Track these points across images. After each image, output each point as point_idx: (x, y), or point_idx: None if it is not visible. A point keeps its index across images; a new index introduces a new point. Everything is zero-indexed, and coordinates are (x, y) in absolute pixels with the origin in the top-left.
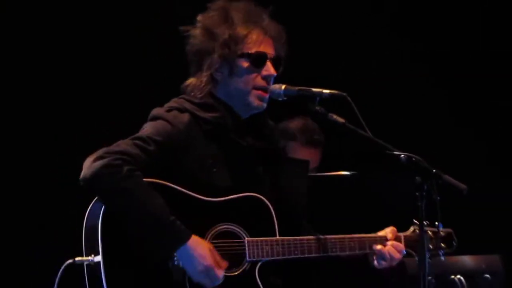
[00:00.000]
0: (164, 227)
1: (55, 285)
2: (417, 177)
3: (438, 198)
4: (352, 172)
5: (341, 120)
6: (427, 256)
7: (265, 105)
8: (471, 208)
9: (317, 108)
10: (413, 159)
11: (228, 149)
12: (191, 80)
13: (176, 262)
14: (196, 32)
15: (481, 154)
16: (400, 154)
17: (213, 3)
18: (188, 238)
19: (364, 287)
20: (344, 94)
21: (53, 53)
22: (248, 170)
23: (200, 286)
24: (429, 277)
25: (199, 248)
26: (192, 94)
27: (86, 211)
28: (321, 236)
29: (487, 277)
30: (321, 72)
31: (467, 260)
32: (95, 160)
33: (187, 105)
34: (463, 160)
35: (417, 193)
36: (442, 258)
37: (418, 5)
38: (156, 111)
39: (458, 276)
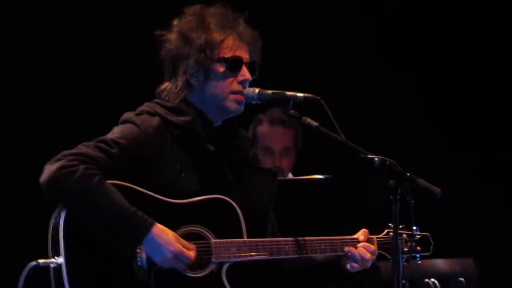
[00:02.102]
0: (126, 219)
1: (21, 287)
2: (391, 181)
3: (412, 201)
4: (326, 176)
5: (314, 123)
6: (403, 259)
7: (242, 108)
8: (445, 211)
9: (291, 111)
10: (387, 162)
11: (197, 154)
12: (166, 85)
13: (140, 263)
14: (172, 36)
15: (455, 158)
16: (374, 158)
17: (189, 8)
18: (152, 225)
19: None
20: (318, 97)
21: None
22: (216, 176)
23: (165, 285)
24: (403, 281)
25: (164, 235)
26: (166, 98)
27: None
28: (291, 238)
29: (461, 281)
30: (295, 75)
31: (441, 263)
32: (51, 164)
33: (158, 109)
34: (436, 164)
35: (391, 197)
36: (419, 261)
37: (393, 11)
38: (127, 115)
39: (432, 280)
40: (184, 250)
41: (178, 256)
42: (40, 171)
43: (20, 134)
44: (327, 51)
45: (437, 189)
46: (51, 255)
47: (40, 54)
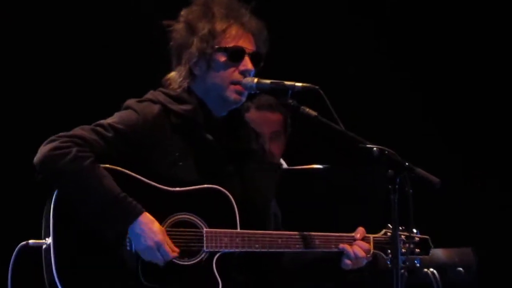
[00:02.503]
0: (115, 202)
1: (10, 267)
2: (389, 170)
3: (411, 191)
4: (324, 165)
5: (313, 113)
6: (401, 260)
7: (243, 99)
8: (444, 201)
9: (290, 101)
10: (386, 152)
11: (196, 143)
12: (171, 74)
13: (128, 247)
14: (179, 26)
15: (455, 148)
16: (373, 147)
17: None
18: (141, 213)
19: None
20: (317, 87)
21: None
22: (214, 166)
23: (152, 271)
24: (402, 270)
25: (151, 224)
26: (170, 87)
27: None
28: (285, 232)
29: (460, 270)
30: (295, 65)
31: (439, 253)
32: (45, 144)
33: (161, 97)
34: (435, 153)
35: (389, 186)
36: (417, 264)
37: (395, 7)
38: (129, 101)
39: (431, 269)
40: (166, 245)
41: (158, 247)
42: (34, 153)
43: (15, 127)
44: (329, 46)
45: (436, 179)
46: (43, 236)
47: (38, 47)
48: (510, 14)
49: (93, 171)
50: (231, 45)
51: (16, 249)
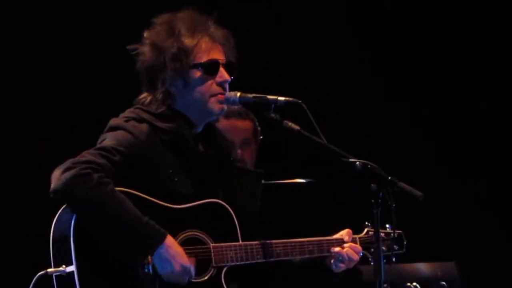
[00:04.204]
0: (140, 228)
1: None
2: (372, 184)
3: (394, 205)
4: (307, 179)
5: (296, 127)
6: (383, 260)
7: (226, 107)
8: (427, 215)
9: (272, 115)
10: (368, 166)
11: (186, 158)
12: (145, 95)
13: (146, 270)
14: (145, 49)
15: (439, 162)
16: (356, 161)
17: (157, 17)
18: (165, 237)
19: None
20: (299, 101)
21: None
22: (206, 178)
23: None
24: (385, 285)
25: (175, 247)
26: (150, 106)
27: (50, 222)
28: (280, 240)
29: (443, 284)
30: (277, 78)
31: (423, 267)
32: (63, 172)
33: (145, 116)
34: (418, 167)
35: (372, 200)
36: (393, 259)
37: (375, 13)
38: (115, 121)
39: (414, 284)
40: (191, 267)
41: (185, 270)
42: (36, 182)
43: (24, 142)
44: (307, 53)
45: (418, 193)
46: (55, 264)
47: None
48: (491, 23)
49: (115, 196)
50: (204, 59)
51: (35, 278)
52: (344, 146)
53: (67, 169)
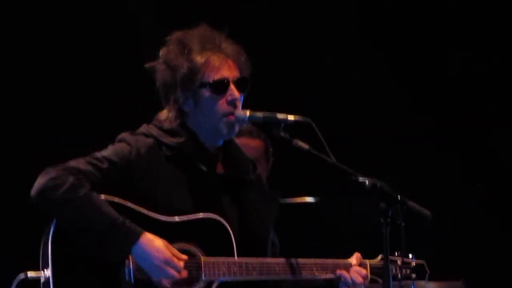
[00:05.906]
0: (114, 227)
1: None
2: (381, 203)
3: (403, 224)
4: (317, 198)
5: (305, 146)
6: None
7: (236, 129)
8: (436, 233)
9: (282, 134)
10: (378, 185)
11: (189, 174)
12: (164, 111)
13: (127, 278)
14: (160, 67)
15: (449, 180)
16: (365, 180)
17: (171, 35)
18: (141, 234)
19: None
20: (309, 120)
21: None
22: (209, 196)
23: None
24: None
25: (154, 243)
26: (165, 123)
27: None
28: (282, 259)
29: None
30: (287, 96)
31: (431, 286)
32: (41, 176)
33: (154, 131)
34: (429, 185)
35: (381, 219)
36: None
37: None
38: (123, 134)
39: None
40: (174, 258)
41: (167, 263)
42: (32, 182)
43: (15, 145)
44: (317, 71)
45: (427, 212)
46: (41, 267)
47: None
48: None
49: (90, 199)
50: (214, 77)
51: (15, 281)
52: (353, 165)
53: (45, 173)
